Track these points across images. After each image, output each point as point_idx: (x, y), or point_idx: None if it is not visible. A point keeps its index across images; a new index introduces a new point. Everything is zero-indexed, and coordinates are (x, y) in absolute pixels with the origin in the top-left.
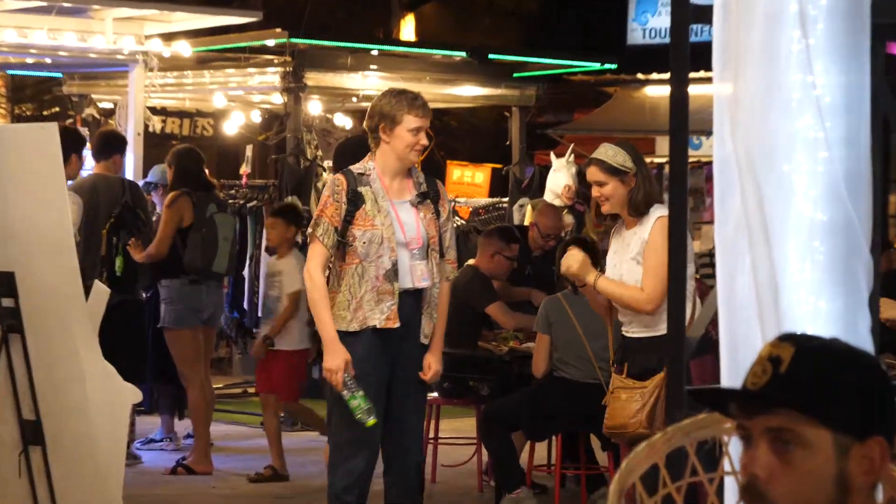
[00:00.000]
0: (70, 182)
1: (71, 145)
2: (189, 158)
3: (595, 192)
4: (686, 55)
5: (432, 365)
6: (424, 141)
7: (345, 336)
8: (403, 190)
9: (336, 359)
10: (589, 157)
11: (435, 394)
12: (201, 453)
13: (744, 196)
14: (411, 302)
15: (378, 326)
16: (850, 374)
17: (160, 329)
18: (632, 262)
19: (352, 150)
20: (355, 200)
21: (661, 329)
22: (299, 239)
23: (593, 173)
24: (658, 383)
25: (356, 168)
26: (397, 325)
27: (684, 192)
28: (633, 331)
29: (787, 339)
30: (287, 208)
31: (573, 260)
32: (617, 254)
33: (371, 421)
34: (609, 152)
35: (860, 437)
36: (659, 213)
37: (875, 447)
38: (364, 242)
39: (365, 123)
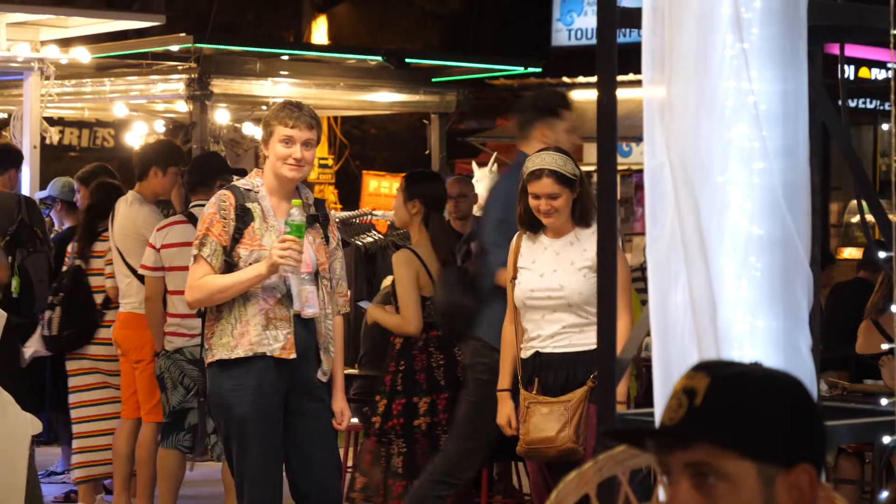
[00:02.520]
0: None
1: (8, 161)
2: (109, 176)
3: (545, 205)
4: (613, 63)
5: (345, 412)
6: (297, 154)
7: (228, 365)
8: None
9: (271, 260)
10: (540, 167)
11: (355, 419)
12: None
13: (678, 208)
14: (302, 331)
15: (270, 354)
16: (770, 402)
17: (59, 354)
18: (578, 272)
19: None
20: (244, 217)
21: (581, 345)
22: None
23: (547, 185)
24: (582, 397)
25: (242, 184)
26: (293, 356)
27: (613, 205)
28: (555, 346)
29: (702, 368)
30: None
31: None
32: (541, 263)
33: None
34: (558, 161)
35: (786, 466)
36: None
37: (802, 475)
38: (251, 263)
39: None
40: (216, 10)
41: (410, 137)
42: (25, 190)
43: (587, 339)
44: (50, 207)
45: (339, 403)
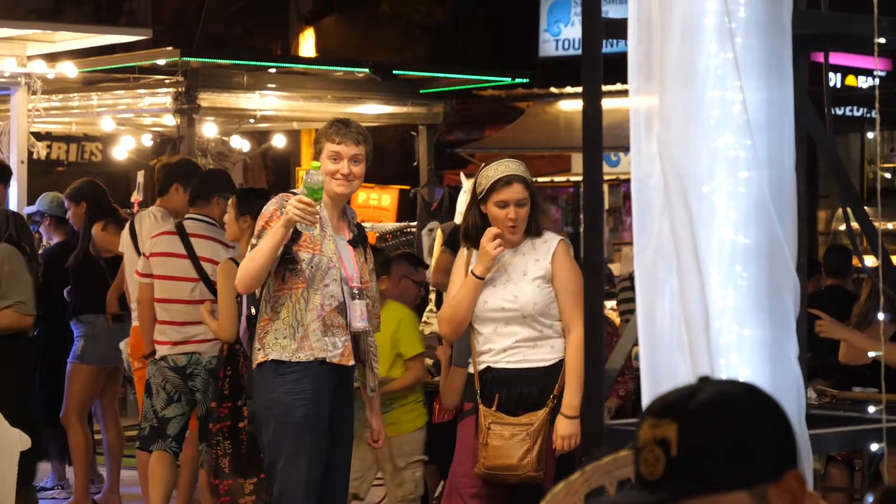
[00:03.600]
0: None
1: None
2: (98, 191)
3: (513, 213)
4: (598, 74)
5: (382, 430)
6: (345, 170)
7: (284, 366)
8: (341, 227)
9: (287, 214)
10: (507, 174)
11: None
12: (81, 495)
13: (672, 217)
14: (352, 342)
15: (330, 361)
16: (743, 427)
17: (49, 369)
18: (532, 283)
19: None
20: None
21: (535, 360)
22: None
23: (518, 191)
24: (544, 420)
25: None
26: (352, 362)
27: (600, 214)
28: (508, 360)
29: (665, 413)
30: None
31: None
32: (493, 274)
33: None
34: (520, 168)
35: (775, 479)
36: (554, 235)
37: (792, 481)
38: (312, 266)
39: None
40: (203, 24)
41: (398, 149)
42: (13, 205)
43: (540, 355)
44: (38, 223)
45: (377, 421)
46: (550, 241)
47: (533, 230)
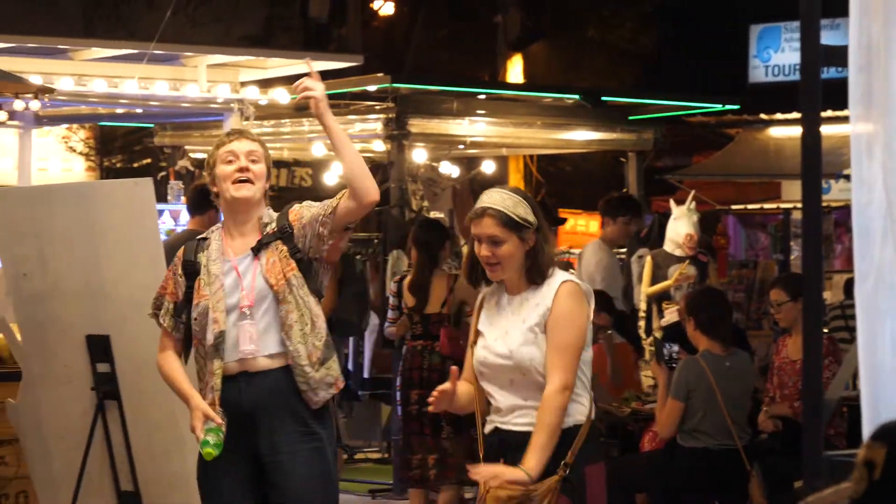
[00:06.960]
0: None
1: (208, 201)
2: None
3: (485, 251)
4: (818, 102)
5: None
6: (243, 163)
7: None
8: (249, 242)
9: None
10: (482, 206)
11: None
12: None
13: (895, 244)
14: (244, 386)
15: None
16: None
17: None
18: (528, 332)
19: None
20: (192, 272)
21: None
22: None
23: (488, 226)
24: (550, 488)
25: (205, 234)
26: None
27: (819, 241)
28: (515, 422)
29: (880, 437)
30: None
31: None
32: (496, 325)
33: (207, 450)
34: (507, 201)
35: None
36: (561, 276)
37: None
38: (195, 318)
39: None
40: (412, 51)
41: (607, 175)
42: None
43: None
44: None
45: None
46: (553, 281)
47: (530, 276)
